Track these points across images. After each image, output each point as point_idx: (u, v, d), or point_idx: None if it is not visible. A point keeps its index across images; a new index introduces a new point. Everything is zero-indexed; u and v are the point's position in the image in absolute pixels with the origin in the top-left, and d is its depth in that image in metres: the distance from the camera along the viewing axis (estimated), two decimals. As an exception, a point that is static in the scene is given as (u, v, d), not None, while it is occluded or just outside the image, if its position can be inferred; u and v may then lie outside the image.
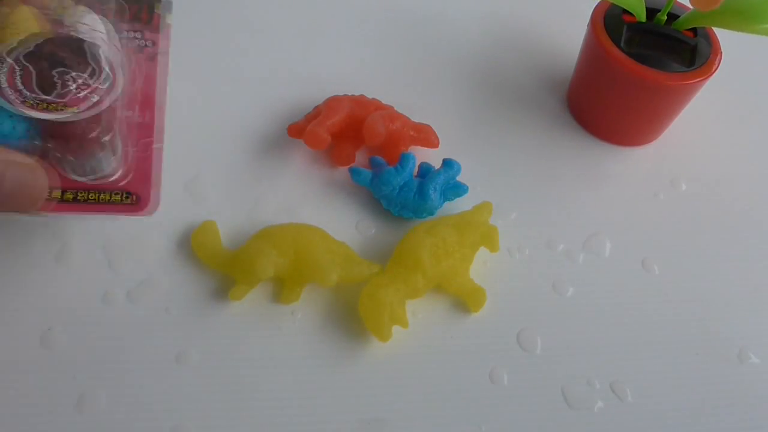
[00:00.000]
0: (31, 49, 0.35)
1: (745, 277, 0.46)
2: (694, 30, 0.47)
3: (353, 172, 0.45)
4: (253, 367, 0.39)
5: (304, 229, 0.42)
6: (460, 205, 0.46)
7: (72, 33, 0.36)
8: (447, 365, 0.40)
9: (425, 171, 0.45)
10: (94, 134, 0.36)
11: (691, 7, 0.45)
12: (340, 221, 0.45)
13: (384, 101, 0.49)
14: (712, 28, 0.48)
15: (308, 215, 0.45)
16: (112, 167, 0.37)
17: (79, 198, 0.37)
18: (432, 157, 0.48)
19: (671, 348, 0.42)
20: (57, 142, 0.36)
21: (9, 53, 0.35)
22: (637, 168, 0.50)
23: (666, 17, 0.47)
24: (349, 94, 0.49)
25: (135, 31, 0.40)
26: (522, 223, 0.46)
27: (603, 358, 0.41)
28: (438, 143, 0.48)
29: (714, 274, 0.45)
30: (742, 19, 0.43)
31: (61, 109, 0.35)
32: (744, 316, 0.44)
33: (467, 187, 0.45)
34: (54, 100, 0.35)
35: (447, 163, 0.45)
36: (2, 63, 0.35)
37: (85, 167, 0.37)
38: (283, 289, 0.41)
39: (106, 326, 0.40)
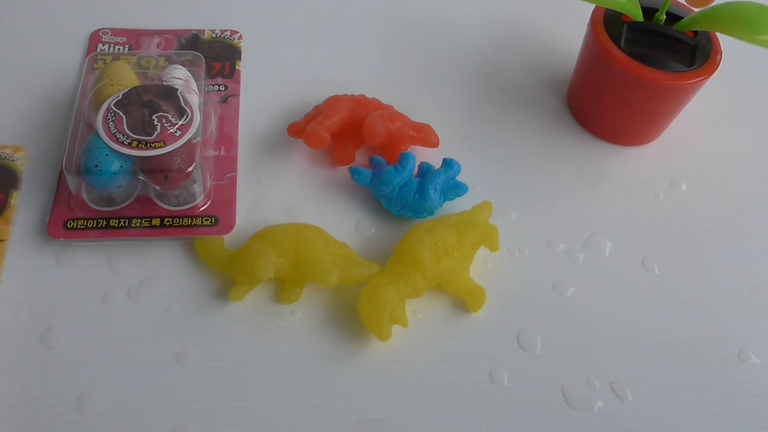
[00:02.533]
0: (119, 98, 0.42)
1: (745, 277, 0.46)
2: (694, 30, 0.47)
3: (353, 171, 0.45)
4: (253, 367, 0.39)
5: (304, 229, 0.42)
6: (460, 205, 0.46)
7: (158, 81, 0.45)
8: (447, 365, 0.40)
9: (425, 171, 0.45)
10: (182, 165, 0.41)
11: (687, 5, 0.45)
12: (340, 221, 0.45)
13: (384, 101, 0.49)
14: (713, 28, 0.48)
15: (308, 215, 0.45)
16: (201, 198, 0.44)
17: (165, 224, 0.43)
18: (432, 157, 0.48)
19: (671, 348, 0.42)
20: (150, 175, 0.42)
21: (116, 105, 0.42)
22: (637, 168, 0.50)
23: (665, 17, 0.47)
24: (349, 94, 0.49)
25: (219, 85, 0.50)
26: (522, 223, 0.46)
27: (603, 358, 0.41)
28: (438, 143, 0.48)
29: (714, 274, 0.45)
30: (742, 29, 0.43)
31: (159, 147, 0.41)
32: (744, 316, 0.44)
33: (467, 187, 0.45)
34: (152, 139, 0.41)
35: (447, 163, 0.45)
36: (109, 113, 0.42)
37: (179, 198, 0.43)
38: (283, 289, 0.41)
39: (106, 326, 0.40)
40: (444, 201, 0.45)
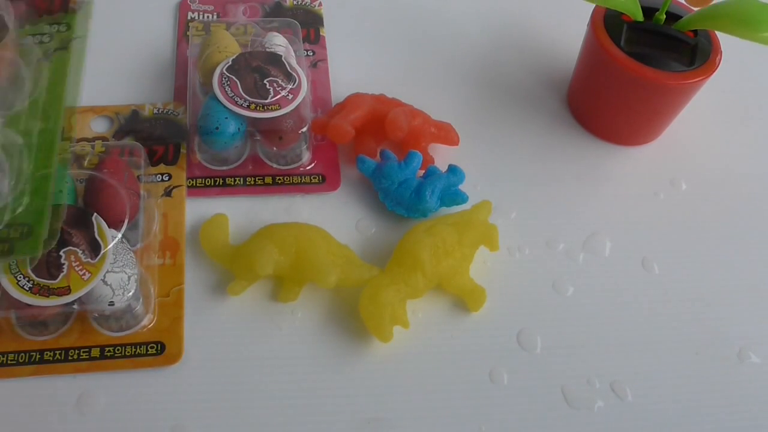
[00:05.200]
0: (230, 64, 0.44)
1: (745, 277, 0.46)
2: (694, 29, 0.47)
3: (359, 159, 0.45)
4: (253, 367, 0.39)
5: (306, 229, 0.42)
6: (459, 205, 0.46)
7: (264, 48, 0.46)
8: (447, 365, 0.40)
9: (430, 173, 0.45)
10: (294, 126, 0.43)
11: (687, 5, 0.45)
12: (340, 220, 0.45)
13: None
14: (713, 28, 0.48)
15: (308, 214, 0.45)
16: (307, 157, 0.46)
17: (277, 181, 0.45)
18: (443, 156, 0.48)
19: (671, 348, 0.42)
20: (266, 136, 0.44)
21: (228, 70, 0.44)
22: (637, 167, 0.50)
23: (665, 17, 0.47)
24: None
25: (307, 50, 0.53)
26: (522, 223, 0.46)
27: (603, 358, 0.41)
28: (458, 141, 0.48)
29: (714, 274, 0.45)
30: (742, 27, 0.43)
31: (275, 109, 0.43)
32: (744, 316, 0.44)
33: (467, 197, 0.45)
34: (268, 102, 0.43)
35: (452, 170, 0.45)
36: (223, 77, 0.44)
37: (287, 158, 0.45)
38: (282, 287, 0.41)
39: (106, 326, 0.40)
40: (441, 206, 0.45)
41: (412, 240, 0.42)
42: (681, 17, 0.48)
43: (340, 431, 0.38)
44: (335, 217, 0.45)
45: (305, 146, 0.46)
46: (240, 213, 0.44)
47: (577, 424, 0.39)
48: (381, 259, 0.43)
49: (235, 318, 0.41)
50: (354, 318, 0.41)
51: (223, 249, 0.42)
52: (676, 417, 0.40)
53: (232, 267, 0.41)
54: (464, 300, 0.42)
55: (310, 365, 0.39)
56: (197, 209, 0.44)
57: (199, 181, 0.45)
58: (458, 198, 0.45)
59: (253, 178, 0.46)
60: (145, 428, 0.37)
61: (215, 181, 0.46)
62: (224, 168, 0.46)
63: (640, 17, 0.47)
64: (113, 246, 0.37)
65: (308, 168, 0.47)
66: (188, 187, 0.45)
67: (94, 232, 0.37)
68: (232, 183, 0.46)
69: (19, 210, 0.35)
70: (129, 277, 0.37)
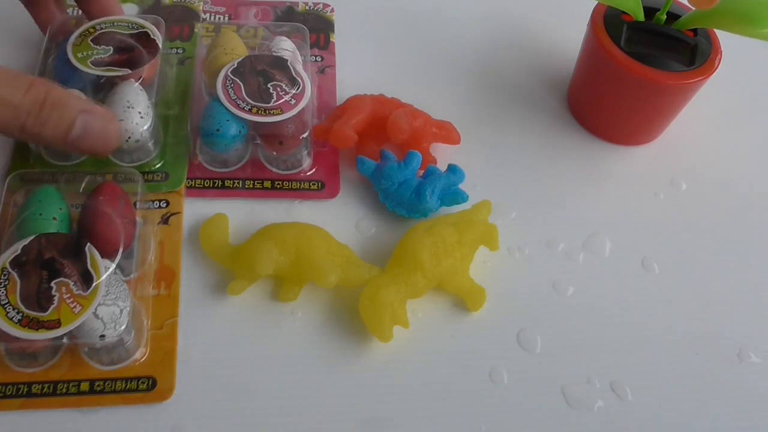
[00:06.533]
0: (235, 67, 0.45)
1: (745, 277, 0.46)
2: (694, 29, 0.47)
3: (359, 160, 0.45)
4: (253, 367, 0.39)
5: (306, 229, 0.42)
6: (459, 205, 0.46)
7: (271, 52, 0.47)
8: (447, 365, 0.40)
9: (429, 173, 0.45)
10: (295, 132, 0.43)
11: (689, 6, 0.45)
12: (340, 220, 0.45)
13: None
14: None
15: (308, 214, 0.45)
16: (308, 163, 0.46)
17: (276, 186, 0.45)
18: (443, 156, 0.48)
19: (671, 348, 0.42)
20: (266, 140, 0.44)
21: (233, 72, 0.45)
22: (637, 167, 0.50)
23: (666, 16, 0.47)
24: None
25: (315, 56, 0.53)
26: (522, 223, 0.46)
27: (603, 358, 0.41)
28: (459, 140, 0.48)
29: (714, 274, 0.45)
30: (742, 24, 0.43)
31: (276, 113, 0.43)
32: (744, 316, 0.44)
33: (467, 196, 0.45)
34: (270, 106, 0.43)
35: (451, 169, 0.45)
36: (227, 80, 0.44)
37: (287, 163, 0.45)
38: (281, 287, 0.41)
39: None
40: (441, 205, 0.45)
41: (412, 240, 0.42)
42: (681, 17, 0.48)
43: (340, 431, 0.38)
44: (335, 217, 0.45)
45: (306, 152, 0.46)
46: (239, 213, 0.44)
47: (577, 424, 0.39)
48: (381, 259, 0.43)
49: (235, 318, 0.41)
50: (354, 318, 0.41)
51: (223, 249, 0.42)
52: (676, 417, 0.40)
53: (232, 267, 0.41)
54: (464, 300, 0.42)
55: (310, 365, 0.39)
56: (196, 210, 0.44)
57: (198, 182, 0.45)
58: (458, 197, 0.45)
59: (252, 182, 0.46)
60: (146, 428, 0.37)
61: (214, 183, 0.46)
62: (224, 170, 0.46)
63: (641, 17, 0.47)
64: (106, 278, 0.36)
65: (308, 174, 0.46)
66: (187, 187, 0.45)
67: (86, 263, 0.36)
68: (231, 185, 0.45)
69: (159, 165, 0.45)
70: (121, 311, 0.36)
